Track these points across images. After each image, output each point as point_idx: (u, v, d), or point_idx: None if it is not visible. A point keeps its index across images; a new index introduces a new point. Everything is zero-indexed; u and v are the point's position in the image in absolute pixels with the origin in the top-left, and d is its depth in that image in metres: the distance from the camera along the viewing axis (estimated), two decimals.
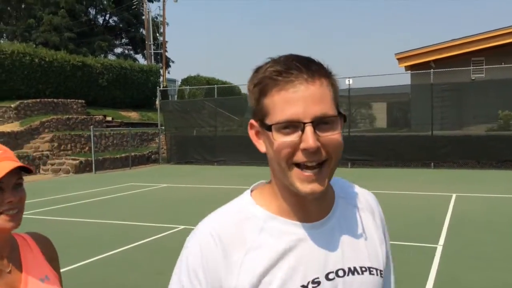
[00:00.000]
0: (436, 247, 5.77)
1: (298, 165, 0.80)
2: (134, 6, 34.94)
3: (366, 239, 0.92)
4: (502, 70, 17.56)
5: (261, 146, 0.87)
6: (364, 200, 0.98)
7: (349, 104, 17.28)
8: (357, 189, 1.00)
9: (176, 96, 28.74)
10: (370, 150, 16.10)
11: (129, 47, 39.77)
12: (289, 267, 0.83)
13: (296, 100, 0.78)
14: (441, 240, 6.11)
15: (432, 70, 16.45)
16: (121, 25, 37.38)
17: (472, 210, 8.13)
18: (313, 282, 0.84)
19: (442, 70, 18.16)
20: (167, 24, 33.99)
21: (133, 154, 19.04)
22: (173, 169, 17.61)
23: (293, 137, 0.79)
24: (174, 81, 34.08)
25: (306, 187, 0.80)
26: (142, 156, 19.60)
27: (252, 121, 0.87)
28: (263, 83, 0.81)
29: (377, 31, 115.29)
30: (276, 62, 0.82)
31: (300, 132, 0.78)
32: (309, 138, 0.77)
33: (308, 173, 0.80)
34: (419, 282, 4.57)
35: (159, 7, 34.21)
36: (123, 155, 18.65)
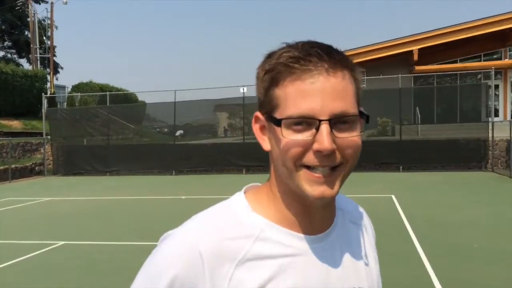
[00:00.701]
0: None
1: (307, 167, 0.69)
2: (18, 7, 32.26)
3: (366, 257, 0.84)
4: (381, 80, 19.21)
5: (266, 143, 0.76)
6: (359, 215, 0.90)
7: (244, 112, 17.66)
8: (352, 202, 0.92)
9: (65, 104, 27.03)
10: (265, 157, 16.45)
11: (12, 50, 36.65)
12: (287, 286, 0.71)
13: (313, 92, 0.67)
14: None
15: None
16: (3, 27, 34.31)
17: None
18: None
19: None
20: (56, 27, 31.98)
21: (13, 166, 17.49)
22: (59, 181, 16.49)
23: (305, 136, 0.68)
24: (63, 87, 32.03)
25: (315, 190, 0.69)
26: (24, 168, 18.10)
27: (258, 113, 0.76)
28: (276, 70, 0.70)
29: (274, 37, 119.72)
30: (293, 47, 0.70)
31: (314, 131, 0.67)
32: (324, 139, 0.66)
33: (318, 174, 0.68)
34: None
35: (47, 9, 32.03)
36: (1, 167, 17.04)
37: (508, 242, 6.12)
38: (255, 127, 0.77)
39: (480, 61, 21.25)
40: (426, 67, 20.64)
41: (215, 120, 21.88)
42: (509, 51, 21.38)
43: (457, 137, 15.94)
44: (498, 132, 15.28)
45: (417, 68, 20.54)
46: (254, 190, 0.81)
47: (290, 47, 0.71)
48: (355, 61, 14.10)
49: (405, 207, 8.88)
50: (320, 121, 0.66)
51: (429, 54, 20.75)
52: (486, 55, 21.69)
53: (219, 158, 17.05)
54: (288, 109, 0.68)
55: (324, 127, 0.66)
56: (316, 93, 0.67)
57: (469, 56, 21.54)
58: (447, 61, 21.30)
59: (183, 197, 11.39)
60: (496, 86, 21.11)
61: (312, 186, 0.69)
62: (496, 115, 20.56)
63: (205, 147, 17.79)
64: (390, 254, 5.71)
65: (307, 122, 0.67)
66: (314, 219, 0.76)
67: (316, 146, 0.67)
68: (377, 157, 15.93)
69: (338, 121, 0.68)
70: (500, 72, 21.05)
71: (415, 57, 20.29)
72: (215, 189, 12.50)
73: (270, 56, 0.72)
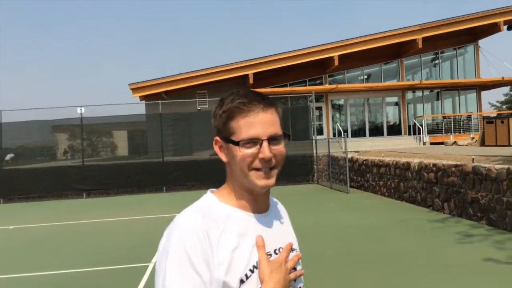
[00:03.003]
0: (148, 265, 6.33)
1: (256, 169, 1.07)
2: None
3: (290, 229, 1.27)
4: None
5: (223, 157, 1.13)
6: (281, 206, 1.31)
7: (82, 133, 16.88)
8: (275, 199, 1.30)
9: None
10: (106, 179, 16.11)
11: None
12: (249, 244, 1.08)
13: (256, 123, 1.06)
14: (154, 258, 6.70)
15: (160, 101, 17.63)
16: None
17: None
18: (267, 254, 1.10)
19: (172, 101, 19.82)
20: None
21: None
22: None
23: (253, 150, 1.06)
24: None
25: (261, 182, 1.08)
26: None
27: (217, 138, 1.12)
28: (231, 110, 1.07)
29: (113, 61, 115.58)
30: (240, 95, 1.08)
31: (259, 146, 1.06)
32: (265, 150, 1.06)
33: (262, 172, 1.07)
34: None
35: None
36: None
37: (322, 246, 7.16)
38: (216, 147, 1.14)
39: (306, 85, 23.98)
40: (261, 89, 22.45)
41: (54, 142, 20.38)
42: (329, 77, 24.60)
43: (288, 153, 17.63)
44: (322, 149, 17.48)
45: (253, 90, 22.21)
46: (217, 191, 1.17)
47: (237, 95, 1.09)
48: (195, 83, 14.81)
49: None
50: (262, 140, 1.07)
51: (263, 78, 22.67)
52: (311, 80, 24.58)
53: (56, 182, 15.94)
54: (242, 134, 1.06)
55: (265, 143, 1.07)
56: (258, 123, 1.07)
57: (297, 81, 24.15)
58: (279, 84, 23.52)
59: (11, 227, 10.44)
60: (321, 108, 24.05)
61: (260, 180, 1.08)
62: (321, 133, 23.39)
63: (40, 171, 16.46)
64: None
65: (254, 141, 1.06)
66: (259, 203, 1.15)
67: (261, 155, 1.06)
68: (218, 175, 16.60)
69: (272, 139, 1.08)
70: (323, 95, 24.05)
71: (251, 81, 21.94)
72: (48, 216, 11.70)
73: (222, 101, 1.11)
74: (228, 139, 1.08)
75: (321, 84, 24.45)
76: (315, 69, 23.81)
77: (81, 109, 16.68)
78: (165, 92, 22.09)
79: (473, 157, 9.45)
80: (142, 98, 22.55)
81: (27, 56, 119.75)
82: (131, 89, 21.65)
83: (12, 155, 18.53)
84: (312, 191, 14.98)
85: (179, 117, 20.41)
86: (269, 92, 22.58)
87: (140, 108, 38.53)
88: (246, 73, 22.07)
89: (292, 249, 1.17)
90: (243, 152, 1.06)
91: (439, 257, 6.20)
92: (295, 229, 1.29)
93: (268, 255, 1.09)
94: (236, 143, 1.06)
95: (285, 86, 23.70)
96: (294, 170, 17.14)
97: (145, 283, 5.58)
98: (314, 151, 17.69)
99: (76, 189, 15.97)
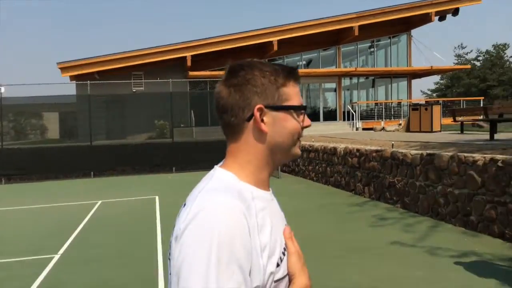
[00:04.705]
0: (53, 257, 5.98)
1: (298, 138, 1.04)
2: None
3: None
4: (159, 84, 19.68)
5: (264, 127, 0.98)
6: None
7: (0, 113, 15.79)
8: None
9: None
10: (27, 164, 15.20)
11: None
12: (277, 224, 1.00)
13: (299, 93, 1.04)
14: (62, 250, 6.37)
15: (89, 82, 16.80)
16: None
17: (108, 215, 8.83)
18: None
19: (105, 82, 18.98)
20: None
21: None
22: None
23: (302, 118, 1.04)
24: None
25: (299, 151, 1.05)
26: None
27: (261, 105, 0.97)
28: (284, 76, 1.01)
29: (39, 38, 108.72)
30: (277, 65, 1.02)
31: (303, 115, 1.04)
32: (308, 119, 1.06)
33: (299, 141, 1.05)
34: None
35: None
36: None
37: None
38: (257, 115, 0.98)
39: None
40: (200, 73, 22.07)
41: None
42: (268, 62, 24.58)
43: (219, 138, 17.58)
44: None
45: (191, 73, 21.79)
46: (229, 168, 1.01)
47: (274, 64, 1.03)
48: (130, 64, 14.28)
49: (164, 208, 9.36)
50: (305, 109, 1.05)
51: (202, 61, 22.25)
52: None
53: None
54: (295, 102, 1.01)
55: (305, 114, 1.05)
56: (299, 93, 1.05)
57: None
58: (218, 68, 23.20)
59: None
60: None
61: (299, 149, 1.05)
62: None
63: None
64: (127, 255, 6.01)
65: (303, 110, 1.04)
66: (268, 182, 1.06)
67: (305, 123, 1.05)
68: (151, 159, 16.32)
69: None
70: None
71: (189, 63, 21.48)
72: None
73: (259, 67, 1.01)
74: (282, 106, 0.99)
75: None
76: (255, 53, 23.65)
77: (1, 89, 15.56)
78: (98, 72, 21.14)
79: (393, 142, 9.76)
80: (73, 78, 21.46)
81: None
82: (60, 68, 20.52)
83: None
84: None
85: (113, 98, 19.65)
86: (208, 76, 22.25)
87: (72, 89, 36.75)
88: (184, 55, 21.55)
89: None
90: (298, 119, 1.02)
91: (349, 240, 6.34)
92: None
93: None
94: (298, 108, 1.02)
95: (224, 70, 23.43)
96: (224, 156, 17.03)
97: (44, 278, 5.23)
98: None
99: None
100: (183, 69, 22.47)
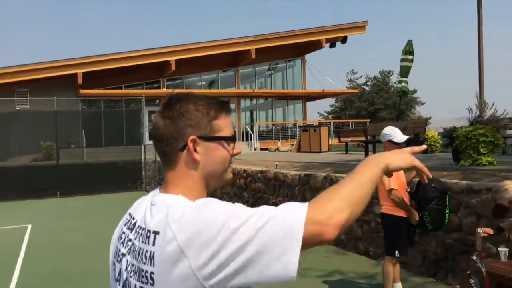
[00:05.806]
0: None
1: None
2: None
3: None
4: (45, 102, 18.34)
5: (197, 156, 1.05)
6: None
7: None
8: None
9: None
10: None
11: None
12: None
13: (231, 123, 1.11)
14: None
15: None
16: None
17: None
18: None
19: None
20: None
21: None
22: None
23: (232, 146, 1.11)
24: None
25: (231, 176, 1.13)
26: None
27: (194, 137, 1.04)
28: (217, 109, 1.08)
29: None
30: (210, 97, 1.10)
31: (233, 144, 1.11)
32: (238, 147, 1.13)
33: (230, 167, 1.12)
34: None
35: None
36: None
37: None
38: (190, 146, 1.04)
39: (142, 88, 23.23)
40: (92, 91, 21.04)
41: None
42: (167, 81, 24.26)
43: (116, 159, 16.79)
44: (151, 154, 16.94)
45: (82, 91, 20.68)
46: (175, 191, 1.05)
47: (207, 97, 1.10)
48: (13, 80, 13.14)
49: (35, 236, 8.61)
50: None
51: (95, 78, 21.25)
52: (148, 83, 23.91)
53: None
54: (226, 133, 1.08)
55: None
56: (231, 123, 1.11)
57: (133, 84, 23.25)
58: (112, 86, 22.32)
59: None
60: (154, 112, 23.51)
61: (230, 174, 1.12)
62: None
63: None
64: None
65: (233, 139, 1.11)
66: None
67: (236, 151, 1.10)
68: (33, 183, 15.04)
69: None
70: (159, 99, 23.59)
71: (80, 81, 20.39)
72: None
73: (193, 100, 1.07)
74: (213, 137, 1.06)
75: (158, 88, 23.96)
76: (154, 72, 23.27)
77: None
78: None
79: (277, 163, 10.01)
80: None
81: None
82: None
83: None
84: (136, 199, 14.34)
85: None
86: (101, 94, 21.25)
87: None
88: (74, 71, 20.42)
89: None
90: (229, 148, 1.09)
91: None
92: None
93: None
94: (229, 139, 1.08)
95: (120, 88, 22.62)
96: (122, 176, 16.35)
97: None
98: (143, 157, 17.09)
99: None
100: (73, 86, 21.26)
